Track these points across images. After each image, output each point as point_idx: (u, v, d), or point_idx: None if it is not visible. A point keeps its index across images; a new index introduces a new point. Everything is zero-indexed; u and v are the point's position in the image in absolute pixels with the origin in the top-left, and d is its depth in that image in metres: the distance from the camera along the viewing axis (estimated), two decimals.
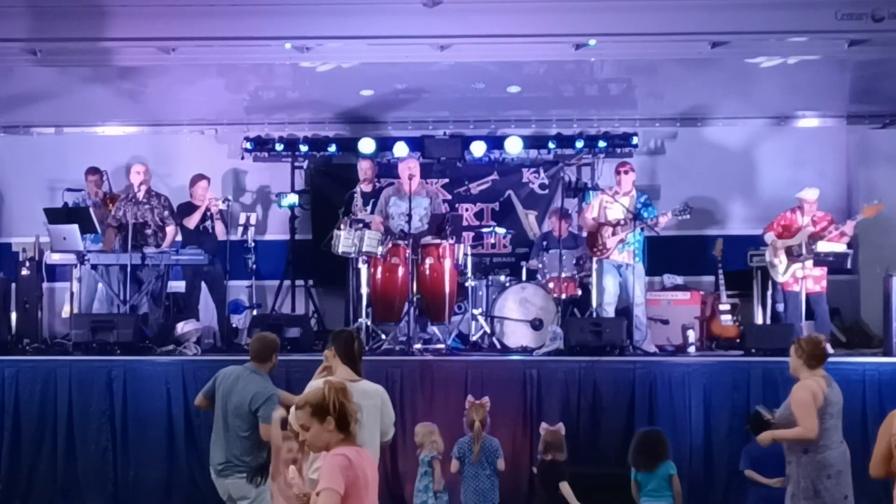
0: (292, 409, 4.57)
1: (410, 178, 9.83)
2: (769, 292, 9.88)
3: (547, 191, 11.51)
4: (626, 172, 9.75)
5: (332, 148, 11.42)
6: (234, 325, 10.58)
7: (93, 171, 10.74)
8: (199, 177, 10.47)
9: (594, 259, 9.74)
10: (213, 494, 6.79)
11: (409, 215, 9.61)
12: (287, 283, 11.29)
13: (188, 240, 10.18)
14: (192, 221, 10.27)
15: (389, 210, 10.06)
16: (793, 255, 9.57)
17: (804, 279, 9.57)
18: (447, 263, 9.65)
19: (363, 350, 5.92)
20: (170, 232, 10.05)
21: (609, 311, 9.59)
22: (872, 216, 9.57)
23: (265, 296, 11.23)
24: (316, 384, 4.40)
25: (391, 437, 5.88)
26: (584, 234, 10.12)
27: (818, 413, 6.20)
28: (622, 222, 9.53)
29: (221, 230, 10.53)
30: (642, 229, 9.62)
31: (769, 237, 9.84)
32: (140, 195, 9.98)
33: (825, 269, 9.65)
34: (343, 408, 4.25)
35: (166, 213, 10.03)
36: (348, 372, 5.67)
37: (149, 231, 9.93)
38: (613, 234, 9.56)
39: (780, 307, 9.82)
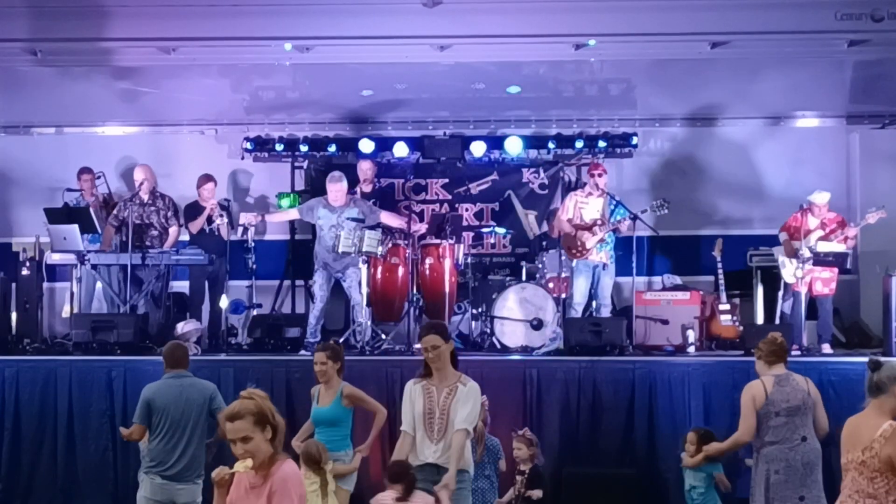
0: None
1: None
2: (780, 293, 9.84)
3: (547, 191, 11.50)
4: (598, 175, 9.79)
5: (332, 148, 11.40)
6: (230, 325, 10.57)
7: (86, 171, 10.57)
8: (206, 178, 10.39)
9: (572, 260, 9.77)
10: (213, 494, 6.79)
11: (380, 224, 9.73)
12: (287, 282, 11.31)
13: (194, 240, 10.17)
14: (195, 226, 10.23)
15: (319, 222, 9.75)
16: (797, 256, 9.56)
17: (812, 281, 9.58)
18: (447, 263, 9.68)
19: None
20: (172, 233, 10.07)
21: (578, 311, 9.60)
22: (875, 222, 9.57)
23: (264, 296, 11.22)
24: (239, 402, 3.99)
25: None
26: (555, 235, 10.23)
27: (760, 412, 6.27)
28: (599, 222, 9.53)
29: (226, 229, 10.51)
30: (615, 230, 9.68)
31: (782, 237, 9.84)
32: (145, 196, 10.00)
33: (835, 271, 9.64)
34: (276, 417, 3.97)
35: (170, 214, 10.06)
36: None
37: (154, 232, 9.96)
38: (593, 234, 9.56)
39: (788, 307, 9.79)
